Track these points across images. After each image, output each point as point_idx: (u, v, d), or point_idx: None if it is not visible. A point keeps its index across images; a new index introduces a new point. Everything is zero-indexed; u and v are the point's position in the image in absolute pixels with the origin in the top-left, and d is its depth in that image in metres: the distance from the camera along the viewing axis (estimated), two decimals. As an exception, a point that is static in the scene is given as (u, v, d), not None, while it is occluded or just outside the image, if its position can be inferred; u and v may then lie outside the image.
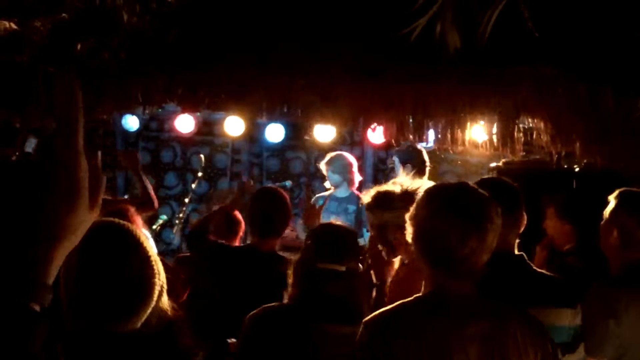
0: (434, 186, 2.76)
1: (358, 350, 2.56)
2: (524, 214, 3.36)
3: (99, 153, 1.15)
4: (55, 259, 1.11)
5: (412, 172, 6.58)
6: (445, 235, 2.48)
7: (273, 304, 3.30)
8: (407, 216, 2.65)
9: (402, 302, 2.58)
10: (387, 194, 3.71)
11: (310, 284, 3.21)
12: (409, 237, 2.63)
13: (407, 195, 3.70)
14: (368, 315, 3.01)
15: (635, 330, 3.22)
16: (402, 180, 3.94)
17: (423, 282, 2.61)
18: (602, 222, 3.47)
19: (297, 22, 3.76)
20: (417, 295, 2.59)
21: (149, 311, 1.97)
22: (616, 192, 3.41)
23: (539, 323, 2.60)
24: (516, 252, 3.28)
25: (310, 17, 3.54)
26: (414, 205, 2.65)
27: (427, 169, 6.85)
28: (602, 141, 3.63)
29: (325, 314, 3.15)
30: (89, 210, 1.12)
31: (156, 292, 2.00)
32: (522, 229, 3.33)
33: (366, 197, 3.78)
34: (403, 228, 2.81)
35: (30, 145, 7.28)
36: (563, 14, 2.55)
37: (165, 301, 2.08)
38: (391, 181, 3.92)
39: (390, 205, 3.64)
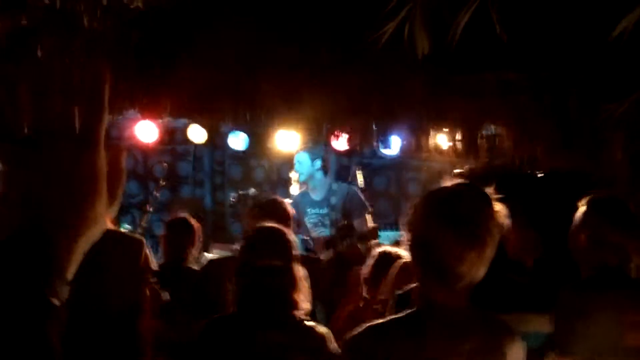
0: (431, 192, 2.60)
1: None
2: None
3: (122, 148, 1.15)
4: (74, 252, 1.09)
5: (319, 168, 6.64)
6: (443, 249, 2.37)
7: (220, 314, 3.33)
8: (405, 221, 2.55)
9: (395, 317, 2.49)
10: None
11: (250, 282, 3.21)
12: (406, 242, 2.55)
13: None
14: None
15: (606, 332, 3.22)
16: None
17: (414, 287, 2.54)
18: (571, 227, 3.47)
19: (262, 27, 3.74)
20: (408, 311, 2.49)
21: None
22: (586, 198, 3.42)
23: (520, 340, 2.55)
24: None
25: (277, 22, 3.52)
26: (412, 209, 2.53)
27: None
28: (565, 146, 3.65)
29: (265, 315, 3.16)
30: (108, 203, 1.12)
31: None
32: None
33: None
34: None
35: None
36: (530, 21, 2.55)
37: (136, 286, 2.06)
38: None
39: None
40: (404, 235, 2.56)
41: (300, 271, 3.31)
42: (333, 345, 3.15)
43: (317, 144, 7.30)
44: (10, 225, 1.04)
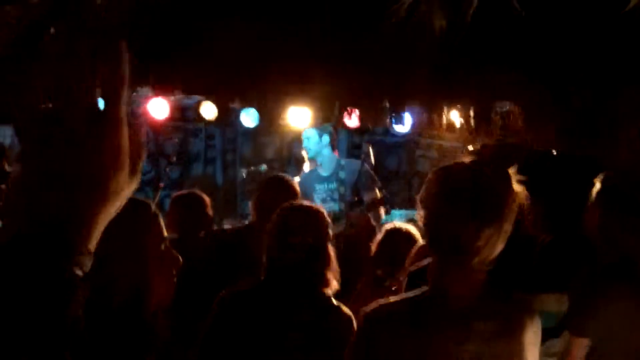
0: (443, 169, 2.58)
1: (356, 341, 2.50)
2: None
3: (143, 124, 1.15)
4: (97, 223, 1.12)
5: (327, 144, 6.63)
6: (460, 225, 2.35)
7: (240, 285, 3.32)
8: (418, 197, 2.53)
9: (406, 297, 2.46)
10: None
11: (282, 257, 3.23)
12: (420, 220, 2.52)
13: None
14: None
15: (622, 318, 3.22)
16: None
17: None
18: (587, 206, 3.45)
19: (274, 4, 3.72)
20: (422, 289, 2.48)
21: None
22: (601, 176, 3.40)
23: (539, 322, 2.53)
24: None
25: (288, 5, 3.50)
26: (425, 186, 2.51)
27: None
28: (578, 129, 3.63)
29: (295, 290, 3.17)
30: (129, 177, 1.13)
31: None
32: None
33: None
34: None
35: (6, 134, 7.18)
36: (546, 7, 2.53)
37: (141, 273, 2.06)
38: None
39: None
40: (418, 213, 2.52)
41: (332, 250, 3.33)
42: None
43: (329, 121, 7.30)
44: (33, 201, 1.06)
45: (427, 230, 2.46)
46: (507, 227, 2.32)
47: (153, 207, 2.18)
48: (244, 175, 8.99)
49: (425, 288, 2.43)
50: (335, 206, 6.70)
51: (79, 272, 1.06)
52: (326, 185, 6.86)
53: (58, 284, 1.04)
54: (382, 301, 2.45)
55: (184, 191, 5.30)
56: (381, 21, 2.64)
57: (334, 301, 3.21)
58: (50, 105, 1.10)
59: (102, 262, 1.27)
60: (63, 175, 1.08)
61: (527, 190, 4.19)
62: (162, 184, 8.01)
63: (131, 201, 2.09)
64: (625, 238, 3.26)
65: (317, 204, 6.59)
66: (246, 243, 4.26)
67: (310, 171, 6.97)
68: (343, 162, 6.88)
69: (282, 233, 3.27)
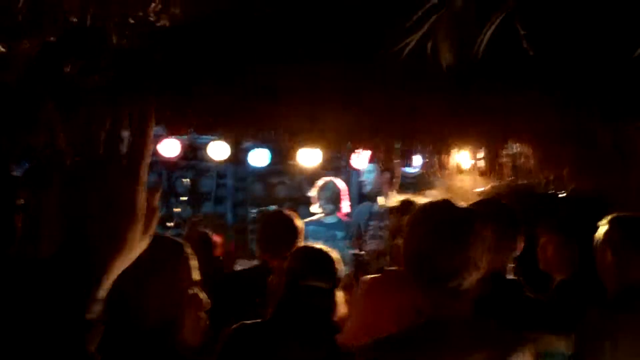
0: (420, 205, 2.74)
1: None
2: (521, 237, 3.36)
3: (157, 188, 1.27)
4: (109, 272, 1.18)
5: (387, 181, 6.66)
6: (430, 254, 2.46)
7: (253, 320, 3.34)
8: (400, 239, 2.63)
9: (399, 331, 2.52)
10: (411, 203, 3.83)
11: (293, 299, 3.24)
12: (401, 258, 2.61)
13: None
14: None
15: (631, 355, 3.20)
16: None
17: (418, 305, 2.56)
18: (595, 245, 3.46)
19: (285, 44, 3.76)
20: (414, 322, 2.54)
21: None
22: (609, 216, 3.41)
23: (531, 349, 2.56)
24: (509, 276, 3.28)
25: (299, 39, 3.54)
26: (405, 224, 2.63)
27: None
28: (591, 167, 3.64)
29: (303, 331, 3.18)
30: (142, 234, 1.22)
31: None
32: (517, 252, 3.33)
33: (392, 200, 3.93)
34: None
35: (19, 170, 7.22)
36: (555, 39, 2.55)
37: (170, 298, 2.07)
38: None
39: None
40: (398, 252, 2.61)
41: (340, 297, 3.36)
42: None
43: (339, 161, 7.34)
44: (55, 243, 1.12)
45: (410, 268, 2.53)
46: (478, 256, 2.40)
47: (188, 249, 2.21)
48: (255, 215, 9.01)
49: (415, 324, 2.48)
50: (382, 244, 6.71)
51: (92, 316, 1.12)
52: (379, 223, 6.88)
53: (73, 327, 1.09)
54: (380, 337, 2.50)
55: (193, 232, 5.34)
56: (390, 60, 2.67)
57: (340, 346, 3.21)
58: (77, 157, 1.18)
59: (131, 296, 1.31)
60: (83, 223, 1.16)
61: (554, 231, 4.18)
62: (171, 223, 8.04)
63: (166, 240, 2.15)
64: (632, 278, 3.26)
65: (368, 240, 6.59)
66: (255, 283, 4.27)
67: (364, 206, 7.01)
68: (344, 222, 6.95)
69: (294, 275, 3.29)
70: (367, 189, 7.05)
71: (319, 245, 3.61)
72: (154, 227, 1.25)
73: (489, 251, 2.52)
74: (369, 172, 6.93)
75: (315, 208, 7.32)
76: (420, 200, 3.87)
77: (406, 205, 3.92)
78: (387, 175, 6.82)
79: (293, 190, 10.42)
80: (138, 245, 1.22)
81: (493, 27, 2.19)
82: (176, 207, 8.42)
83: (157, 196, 1.26)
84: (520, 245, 3.39)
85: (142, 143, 1.19)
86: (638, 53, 2.15)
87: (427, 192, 4.45)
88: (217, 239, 5.29)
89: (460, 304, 2.45)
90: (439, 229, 2.48)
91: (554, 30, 2.58)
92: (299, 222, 4.78)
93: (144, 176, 1.20)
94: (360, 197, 8.54)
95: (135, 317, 2.02)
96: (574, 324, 3.19)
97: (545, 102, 3.06)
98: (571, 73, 2.75)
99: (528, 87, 3.05)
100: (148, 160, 1.20)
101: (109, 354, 1.40)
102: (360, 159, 7.09)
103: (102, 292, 1.16)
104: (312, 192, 7.25)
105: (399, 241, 3.51)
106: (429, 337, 2.44)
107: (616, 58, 2.59)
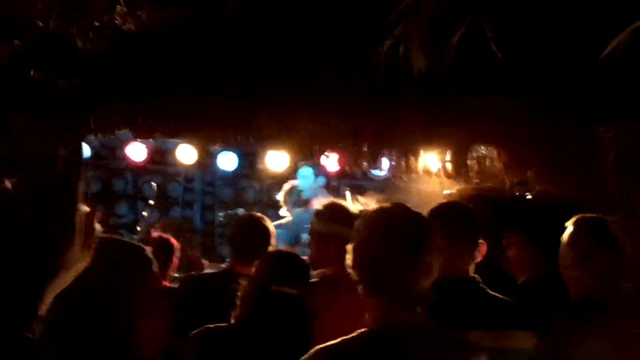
0: (371, 210, 2.71)
1: None
2: (482, 241, 3.38)
3: (95, 209, 1.28)
4: (50, 293, 1.20)
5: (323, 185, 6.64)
6: (383, 261, 2.44)
7: (217, 324, 3.31)
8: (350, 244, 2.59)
9: (348, 338, 2.45)
10: (344, 208, 3.83)
11: (261, 304, 3.22)
12: (349, 263, 2.56)
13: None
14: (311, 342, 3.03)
15: (597, 356, 3.24)
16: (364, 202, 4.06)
17: (366, 314, 2.53)
18: (560, 248, 3.49)
19: (253, 48, 3.75)
20: (364, 330, 2.48)
21: None
22: (574, 218, 3.45)
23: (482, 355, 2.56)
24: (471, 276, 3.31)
25: (268, 44, 3.54)
26: (354, 230, 2.60)
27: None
28: (559, 171, 3.67)
29: (272, 337, 3.16)
30: (81, 252, 1.24)
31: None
32: (477, 255, 3.35)
33: (318, 204, 3.89)
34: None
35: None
36: (523, 44, 2.58)
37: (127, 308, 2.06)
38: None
39: (344, 219, 3.75)
40: (347, 256, 2.57)
41: (312, 302, 3.34)
42: None
43: (308, 164, 7.34)
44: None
45: (361, 274, 2.50)
46: (431, 263, 2.40)
47: (149, 253, 2.20)
48: (222, 218, 8.97)
49: (364, 331, 2.45)
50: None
51: (31, 336, 1.11)
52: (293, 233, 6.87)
53: (15, 348, 1.11)
54: (329, 342, 2.45)
55: (153, 235, 5.31)
56: (360, 65, 2.68)
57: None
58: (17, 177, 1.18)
59: (91, 298, 1.31)
60: (19, 245, 1.17)
61: (517, 233, 4.22)
62: (138, 227, 7.98)
63: (128, 244, 2.15)
64: (596, 281, 3.30)
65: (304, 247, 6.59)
66: (223, 287, 4.24)
67: (303, 211, 6.97)
68: None
69: (265, 281, 3.27)
70: (304, 195, 6.98)
71: (289, 250, 3.61)
72: (92, 246, 1.27)
73: (441, 256, 2.50)
74: (304, 177, 6.84)
75: (283, 211, 7.32)
76: (350, 205, 3.90)
77: (333, 209, 3.94)
78: (323, 180, 6.77)
79: (261, 194, 10.41)
80: (76, 266, 1.24)
81: (461, 31, 2.21)
82: (144, 212, 8.35)
83: (96, 215, 1.27)
84: (483, 248, 3.41)
85: (77, 163, 1.22)
86: (604, 55, 2.17)
87: (360, 197, 4.45)
88: (176, 243, 5.25)
89: (411, 313, 2.43)
90: (392, 235, 2.45)
91: (522, 33, 2.61)
92: (271, 227, 4.77)
93: (80, 194, 1.21)
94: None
95: (90, 321, 2.00)
96: (537, 323, 3.22)
97: (512, 106, 3.09)
98: (538, 76, 2.78)
99: (495, 91, 3.07)
100: (83, 179, 1.22)
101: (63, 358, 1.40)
102: (330, 162, 7.09)
103: (41, 311, 1.18)
104: (279, 196, 7.24)
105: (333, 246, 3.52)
106: (378, 346, 2.40)
107: (583, 62, 2.62)
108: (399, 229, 2.46)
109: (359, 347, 2.41)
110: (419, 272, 2.41)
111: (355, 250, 2.53)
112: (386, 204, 2.63)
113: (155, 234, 5.44)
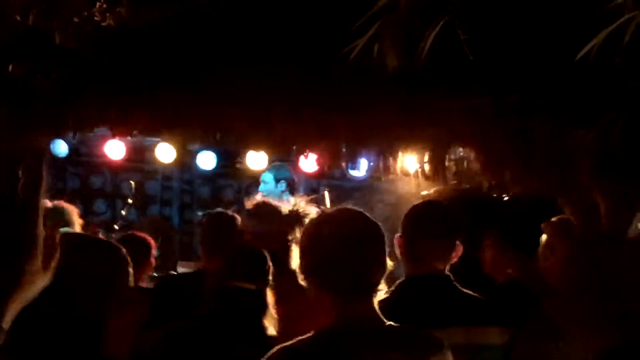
0: (317, 215, 2.81)
1: None
2: (458, 241, 3.41)
3: (58, 230, 1.28)
4: (11, 305, 1.21)
5: (285, 190, 6.65)
6: (330, 260, 2.48)
7: (179, 322, 3.32)
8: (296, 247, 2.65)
9: (307, 337, 2.50)
10: (272, 207, 3.92)
11: (222, 301, 3.22)
12: (296, 268, 2.61)
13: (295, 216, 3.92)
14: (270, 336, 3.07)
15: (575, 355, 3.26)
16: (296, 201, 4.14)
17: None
18: (539, 249, 3.51)
19: (231, 47, 3.76)
20: (322, 328, 2.52)
21: None
22: (548, 221, 3.47)
23: (446, 349, 2.58)
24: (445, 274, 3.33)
25: (246, 43, 3.55)
26: (301, 235, 2.66)
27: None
28: (533, 171, 3.70)
29: (234, 332, 3.17)
30: (43, 270, 1.25)
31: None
32: (454, 254, 3.38)
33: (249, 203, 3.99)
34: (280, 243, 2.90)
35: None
36: (496, 44, 2.60)
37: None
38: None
39: (274, 218, 3.83)
40: (295, 260, 2.63)
41: (270, 297, 3.34)
42: None
43: (285, 164, 7.35)
44: None
45: (315, 278, 2.54)
46: (375, 254, 2.45)
47: (124, 252, 2.20)
48: (201, 218, 8.95)
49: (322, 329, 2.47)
50: None
51: None
52: None
53: None
54: (286, 344, 2.49)
55: (129, 233, 5.28)
56: (337, 63, 2.70)
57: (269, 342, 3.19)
58: None
59: (64, 290, 1.31)
60: None
61: (491, 235, 4.26)
62: (116, 226, 7.96)
63: (103, 242, 2.16)
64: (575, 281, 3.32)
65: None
66: (194, 287, 4.23)
67: None
68: None
69: (223, 276, 3.27)
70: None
71: (251, 245, 3.61)
72: (55, 262, 1.28)
73: (383, 251, 2.55)
74: (265, 183, 6.83)
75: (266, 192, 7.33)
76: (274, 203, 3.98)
77: (262, 208, 4.00)
78: (284, 184, 6.77)
79: (240, 193, 10.40)
80: (38, 280, 1.24)
81: (436, 31, 2.23)
82: (122, 210, 8.33)
83: (57, 232, 1.28)
84: (459, 249, 3.45)
85: (37, 179, 1.22)
86: (580, 56, 2.20)
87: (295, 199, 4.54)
88: (152, 242, 5.23)
89: (364, 306, 2.47)
90: (336, 234, 2.56)
91: (496, 34, 2.63)
92: (239, 223, 4.77)
93: (41, 209, 1.22)
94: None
95: (59, 318, 2.00)
96: (511, 319, 3.25)
97: (486, 106, 3.12)
98: (512, 77, 2.81)
99: (471, 91, 3.10)
100: (43, 196, 1.24)
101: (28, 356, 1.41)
102: (308, 163, 7.09)
103: (4, 323, 1.19)
104: (265, 174, 7.23)
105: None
106: (337, 344, 2.43)
107: (559, 62, 2.65)
108: (342, 227, 2.53)
109: (319, 345, 2.44)
110: (366, 266, 2.46)
111: (302, 255, 2.58)
112: (329, 211, 2.77)
113: (132, 232, 5.42)
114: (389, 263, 2.57)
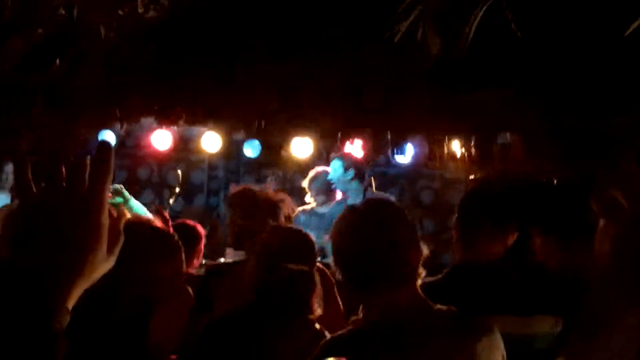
0: (354, 206, 2.77)
1: None
2: (513, 228, 3.37)
3: (122, 214, 1.33)
4: (76, 288, 1.25)
5: (354, 178, 6.66)
6: (360, 255, 2.47)
7: (230, 308, 3.32)
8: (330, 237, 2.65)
9: (356, 327, 2.50)
10: (255, 195, 3.95)
11: (273, 282, 3.20)
12: (333, 263, 2.61)
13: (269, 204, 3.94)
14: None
15: (628, 342, 3.21)
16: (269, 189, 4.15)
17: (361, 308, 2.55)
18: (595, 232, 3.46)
19: (275, 37, 3.76)
20: (368, 318, 2.50)
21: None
22: (602, 200, 3.42)
23: (495, 333, 2.55)
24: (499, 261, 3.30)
25: (290, 30, 3.55)
26: (332, 232, 2.64)
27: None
28: (572, 158, 3.65)
29: (284, 315, 3.16)
30: (107, 255, 1.28)
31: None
32: (509, 242, 3.34)
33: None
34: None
35: (8, 170, 7.22)
36: (540, 29, 2.56)
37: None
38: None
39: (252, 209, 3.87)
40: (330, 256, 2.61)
41: (317, 277, 3.32)
42: None
43: (332, 151, 7.33)
44: (21, 259, 1.22)
45: (342, 270, 2.53)
46: (403, 251, 2.41)
47: (177, 240, 2.22)
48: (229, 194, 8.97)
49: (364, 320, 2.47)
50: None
51: (57, 328, 1.18)
52: (319, 220, 6.86)
53: (40, 338, 1.16)
54: (336, 334, 2.49)
55: (179, 222, 5.30)
56: (383, 50, 2.68)
57: (318, 326, 3.19)
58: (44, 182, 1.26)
59: (115, 276, 1.33)
60: (51, 244, 1.23)
61: (538, 221, 4.20)
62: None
63: (159, 230, 2.17)
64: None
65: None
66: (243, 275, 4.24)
67: (339, 202, 7.00)
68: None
69: (271, 256, 3.24)
70: (338, 187, 7.00)
71: (290, 225, 3.58)
72: (117, 251, 1.30)
73: (414, 238, 2.52)
74: (334, 170, 6.86)
75: (308, 198, 7.33)
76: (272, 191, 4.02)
77: (244, 196, 4.01)
78: (352, 172, 6.77)
79: (285, 181, 10.42)
80: (102, 267, 1.28)
81: (479, 17, 2.20)
82: (168, 200, 8.39)
83: (122, 220, 1.32)
84: (511, 236, 3.40)
85: (104, 167, 1.26)
86: (628, 33, 2.15)
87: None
88: (202, 231, 5.25)
89: (412, 295, 2.44)
90: (362, 227, 2.50)
91: (537, 22, 2.60)
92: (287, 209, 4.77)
93: (105, 201, 1.26)
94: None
95: (109, 304, 2.01)
96: (560, 305, 3.20)
97: (533, 94, 3.08)
98: (557, 64, 2.77)
99: (516, 79, 3.07)
100: (109, 184, 1.28)
101: (80, 341, 1.44)
102: (354, 149, 7.07)
103: (70, 305, 1.23)
104: (304, 183, 7.24)
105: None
106: (385, 331, 2.42)
107: (598, 49, 2.61)
108: (370, 218, 2.50)
109: (367, 335, 2.44)
110: (399, 253, 2.43)
111: (336, 253, 2.56)
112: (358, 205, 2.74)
113: (182, 221, 5.44)
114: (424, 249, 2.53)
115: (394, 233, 2.46)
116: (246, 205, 4.24)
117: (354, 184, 6.69)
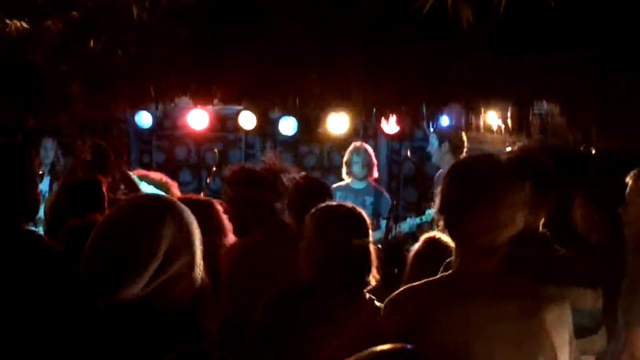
0: (460, 159, 2.74)
1: (382, 326, 2.54)
2: (555, 195, 3.35)
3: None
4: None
5: (448, 150, 6.66)
6: (457, 210, 2.46)
7: (292, 287, 3.31)
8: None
9: (429, 280, 2.56)
10: (254, 172, 3.95)
11: (339, 258, 3.18)
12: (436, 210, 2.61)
13: (272, 176, 3.93)
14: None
15: None
16: (269, 161, 4.14)
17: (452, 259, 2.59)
18: (623, 202, 3.42)
19: (307, 14, 3.75)
20: (444, 274, 2.60)
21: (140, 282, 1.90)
22: (633, 172, 3.38)
23: (566, 304, 2.53)
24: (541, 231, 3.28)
25: (323, 6, 3.53)
26: (443, 181, 2.61)
27: (465, 149, 6.81)
28: (616, 126, 3.59)
29: (345, 290, 3.17)
30: None
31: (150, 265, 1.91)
32: (549, 210, 3.31)
33: (227, 171, 4.06)
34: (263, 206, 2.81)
35: (48, 147, 7.29)
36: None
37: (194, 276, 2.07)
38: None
39: (253, 183, 3.88)
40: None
41: (374, 250, 3.33)
42: None
43: (368, 127, 7.30)
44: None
45: (442, 219, 2.54)
46: (505, 217, 2.37)
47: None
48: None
49: (447, 273, 2.50)
50: None
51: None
52: (355, 196, 6.90)
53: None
54: (409, 285, 2.52)
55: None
56: (414, 23, 2.65)
57: (376, 302, 3.19)
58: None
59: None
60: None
61: (580, 193, 4.14)
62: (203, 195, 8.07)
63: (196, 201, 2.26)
64: None
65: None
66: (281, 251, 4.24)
67: (371, 182, 7.09)
68: (374, 187, 7.01)
69: (334, 234, 3.22)
70: (434, 160, 7.08)
71: (341, 203, 3.55)
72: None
73: (526, 208, 2.48)
74: (432, 145, 6.95)
75: (344, 174, 7.33)
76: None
77: (243, 174, 4.01)
78: (447, 145, 6.80)
79: (322, 158, 10.42)
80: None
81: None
82: (207, 180, 8.44)
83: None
84: (552, 203, 3.37)
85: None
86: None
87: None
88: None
89: (489, 261, 2.45)
90: (477, 184, 2.44)
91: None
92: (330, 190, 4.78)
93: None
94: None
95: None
96: (600, 279, 3.18)
97: (570, 61, 3.03)
98: (594, 31, 2.71)
99: (553, 45, 3.02)
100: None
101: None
102: (390, 125, 7.04)
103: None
104: (346, 156, 7.26)
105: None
106: (455, 287, 2.46)
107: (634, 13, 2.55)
108: (485, 179, 2.45)
109: (442, 287, 2.52)
110: (500, 222, 2.40)
111: (441, 196, 2.56)
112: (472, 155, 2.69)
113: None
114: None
115: (506, 200, 2.42)
116: (242, 181, 4.26)
117: (448, 158, 6.71)
